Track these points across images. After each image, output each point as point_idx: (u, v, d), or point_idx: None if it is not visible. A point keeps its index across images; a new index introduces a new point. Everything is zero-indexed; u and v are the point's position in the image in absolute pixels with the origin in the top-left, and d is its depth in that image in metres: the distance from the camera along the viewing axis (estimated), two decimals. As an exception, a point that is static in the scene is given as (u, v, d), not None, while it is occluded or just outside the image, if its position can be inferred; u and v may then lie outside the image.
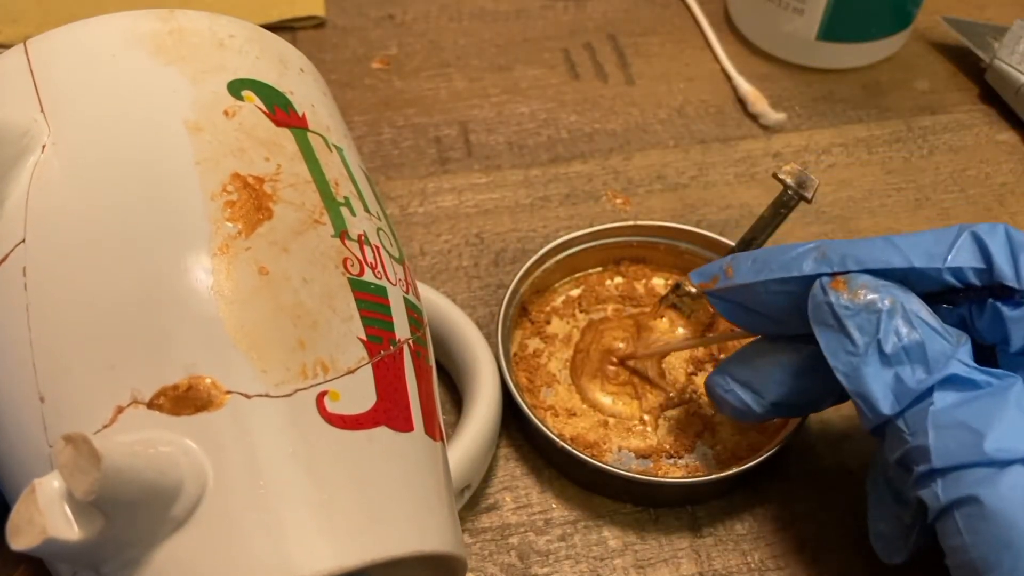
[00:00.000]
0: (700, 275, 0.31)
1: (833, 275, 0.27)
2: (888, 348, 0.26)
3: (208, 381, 0.23)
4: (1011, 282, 0.26)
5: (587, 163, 0.47)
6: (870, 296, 0.26)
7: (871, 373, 0.26)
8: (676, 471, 0.35)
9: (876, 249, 0.27)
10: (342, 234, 0.27)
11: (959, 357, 0.26)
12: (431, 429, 0.27)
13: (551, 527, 0.34)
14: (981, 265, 0.27)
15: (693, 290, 0.38)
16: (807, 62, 0.51)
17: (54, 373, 0.23)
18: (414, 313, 0.28)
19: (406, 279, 0.29)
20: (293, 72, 0.30)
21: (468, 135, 0.48)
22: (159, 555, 0.21)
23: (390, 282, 0.27)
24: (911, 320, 0.26)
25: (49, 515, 0.20)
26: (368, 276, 0.27)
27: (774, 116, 0.48)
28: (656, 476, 0.34)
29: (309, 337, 0.24)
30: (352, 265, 0.26)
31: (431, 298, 0.37)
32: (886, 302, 0.26)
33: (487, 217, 0.44)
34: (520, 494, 0.35)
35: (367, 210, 0.29)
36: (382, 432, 0.24)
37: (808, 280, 0.28)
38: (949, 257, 0.27)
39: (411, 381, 0.26)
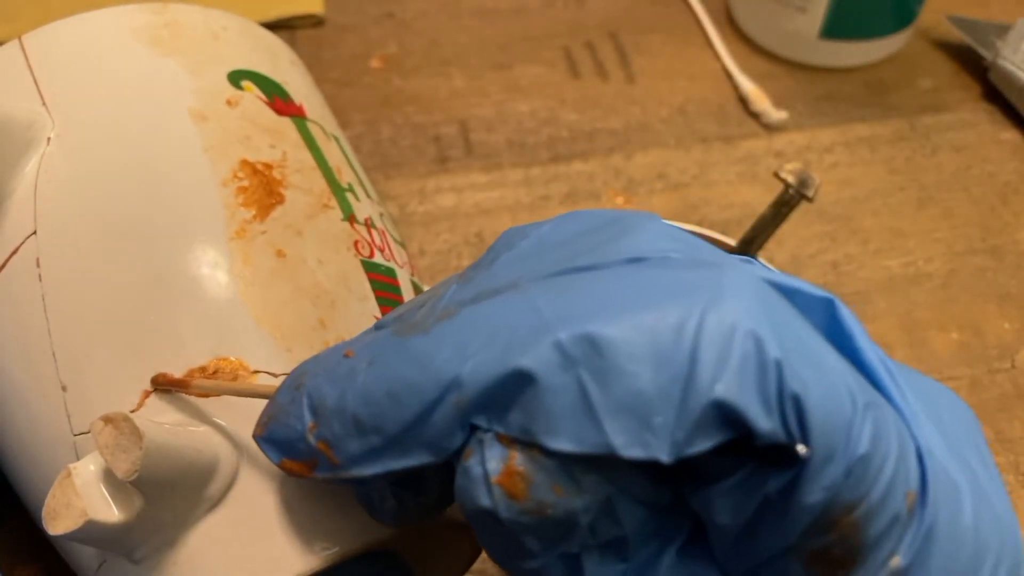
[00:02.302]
0: (279, 448, 0.19)
1: (501, 438, 0.17)
2: (578, 550, 0.18)
3: (235, 361, 0.23)
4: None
5: (588, 162, 0.46)
6: (564, 504, 0.17)
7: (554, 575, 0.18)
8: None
9: (568, 410, 0.16)
10: (350, 218, 0.27)
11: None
12: None
13: (552, 529, 0.34)
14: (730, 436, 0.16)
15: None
16: (809, 60, 0.51)
17: (75, 362, 0.23)
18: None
19: (410, 263, 0.30)
20: (284, 64, 0.30)
21: (468, 134, 0.47)
22: (193, 535, 0.22)
23: (397, 264, 0.28)
24: (617, 519, 0.18)
25: (88, 498, 0.20)
26: (378, 258, 0.27)
27: (776, 115, 0.48)
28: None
29: (329, 316, 0.24)
30: (363, 247, 0.27)
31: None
32: (584, 513, 0.17)
33: (487, 216, 0.44)
34: (521, 496, 0.35)
35: (368, 196, 0.29)
36: None
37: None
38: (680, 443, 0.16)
39: None
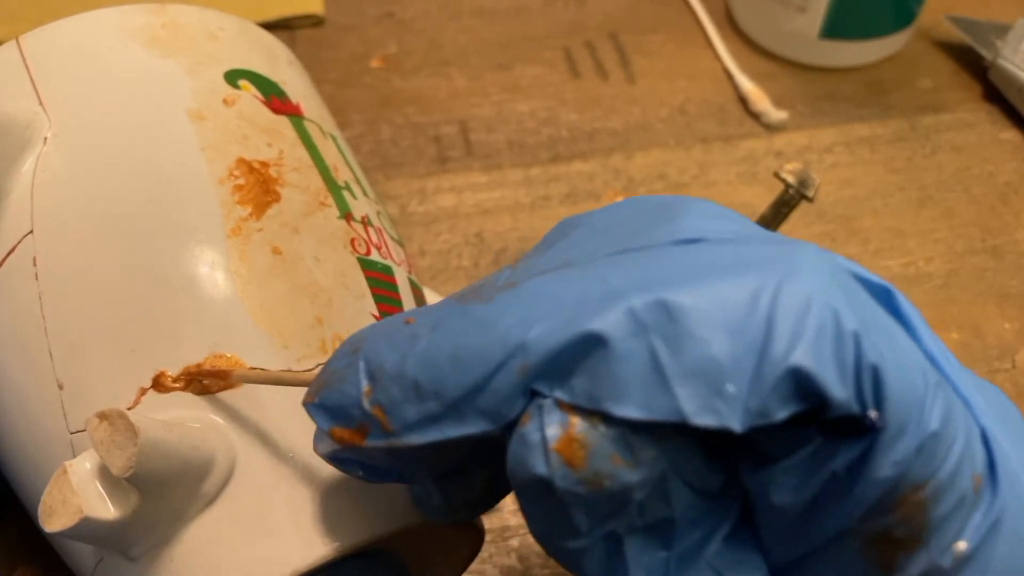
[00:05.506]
0: (330, 415, 0.19)
1: (561, 405, 0.16)
2: (624, 532, 0.17)
3: (231, 359, 0.23)
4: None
5: (588, 162, 0.46)
6: (621, 476, 0.16)
7: (595, 559, 0.18)
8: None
9: (637, 375, 0.16)
10: (347, 216, 0.27)
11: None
12: None
13: (551, 529, 0.34)
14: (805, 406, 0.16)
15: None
16: (809, 60, 0.51)
17: (72, 360, 0.23)
18: (418, 292, 0.29)
19: (407, 261, 0.30)
20: (282, 64, 0.30)
21: (468, 134, 0.47)
22: (189, 532, 0.22)
23: (395, 262, 0.28)
24: (668, 499, 0.17)
25: (84, 495, 0.20)
26: (375, 256, 0.27)
27: (776, 115, 0.48)
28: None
29: (326, 314, 0.25)
30: (359, 245, 0.27)
31: (430, 300, 0.37)
32: (639, 489, 0.16)
33: (487, 216, 0.44)
34: (520, 495, 0.35)
35: (366, 194, 0.29)
36: None
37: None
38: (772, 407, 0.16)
39: None
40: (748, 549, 0.18)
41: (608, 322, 0.16)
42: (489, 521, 0.34)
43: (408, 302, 0.28)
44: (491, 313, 0.17)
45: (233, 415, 0.22)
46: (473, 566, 0.33)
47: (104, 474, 0.20)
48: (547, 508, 0.17)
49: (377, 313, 0.26)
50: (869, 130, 0.49)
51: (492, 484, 0.21)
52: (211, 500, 0.22)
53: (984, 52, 0.50)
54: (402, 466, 0.19)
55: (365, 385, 0.18)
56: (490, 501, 0.21)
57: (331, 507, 0.22)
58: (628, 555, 0.17)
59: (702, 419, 0.16)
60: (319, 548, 0.21)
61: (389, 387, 0.17)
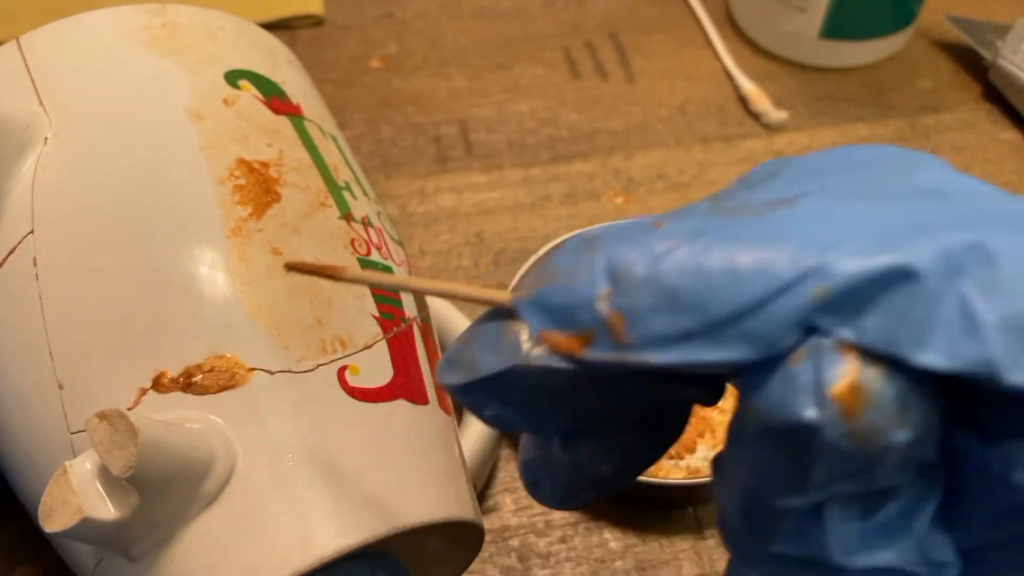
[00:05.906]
0: (549, 314, 0.16)
1: (842, 346, 0.14)
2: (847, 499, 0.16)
3: (231, 359, 0.23)
4: None
5: (588, 162, 0.46)
6: (891, 434, 0.14)
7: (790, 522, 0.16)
8: (678, 472, 0.35)
9: (946, 319, 0.14)
10: (347, 216, 0.27)
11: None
12: (444, 403, 0.27)
13: (552, 529, 0.34)
14: None
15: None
16: (809, 60, 0.51)
17: (72, 360, 0.23)
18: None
19: (407, 261, 0.30)
20: (283, 64, 0.30)
21: (468, 134, 0.47)
22: (189, 533, 0.22)
23: (395, 263, 0.28)
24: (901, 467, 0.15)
25: (84, 495, 0.20)
26: (375, 256, 0.27)
27: (776, 115, 0.48)
28: (657, 478, 0.34)
29: (326, 314, 0.25)
30: (360, 245, 0.27)
31: (430, 299, 0.37)
32: (898, 451, 0.15)
33: (487, 217, 0.44)
34: (520, 496, 0.35)
35: (366, 195, 0.29)
36: (401, 405, 0.25)
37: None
38: None
39: (423, 357, 0.27)
40: (942, 529, 0.17)
41: (922, 256, 0.14)
42: (489, 521, 0.34)
43: (409, 303, 0.28)
44: (776, 227, 0.15)
45: (233, 415, 0.22)
46: (473, 566, 0.33)
47: (104, 474, 0.20)
48: (784, 457, 0.15)
49: (377, 313, 0.26)
50: (869, 130, 0.49)
51: (632, 455, 0.18)
52: (211, 500, 0.22)
53: (984, 52, 0.50)
54: (542, 410, 0.17)
55: (604, 286, 0.15)
56: (622, 479, 0.19)
57: (330, 508, 0.22)
58: (826, 521, 0.16)
59: (1016, 375, 0.14)
60: (319, 548, 0.21)
61: (636, 292, 0.15)
